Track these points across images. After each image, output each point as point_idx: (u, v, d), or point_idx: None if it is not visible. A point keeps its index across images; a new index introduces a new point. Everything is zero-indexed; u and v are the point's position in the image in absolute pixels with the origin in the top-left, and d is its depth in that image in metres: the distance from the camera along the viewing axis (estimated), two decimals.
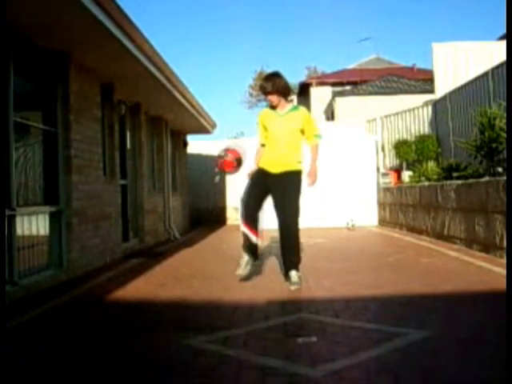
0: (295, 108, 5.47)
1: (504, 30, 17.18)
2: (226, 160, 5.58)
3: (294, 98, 30.69)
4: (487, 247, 7.09)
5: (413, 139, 14.09)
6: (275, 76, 5.35)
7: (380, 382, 2.72)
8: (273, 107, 5.41)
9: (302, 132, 5.40)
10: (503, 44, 13.58)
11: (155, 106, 10.94)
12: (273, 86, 5.24)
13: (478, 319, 3.90)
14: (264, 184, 5.37)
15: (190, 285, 5.82)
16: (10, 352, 3.43)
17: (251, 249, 5.44)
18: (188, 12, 67.42)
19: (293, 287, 5.16)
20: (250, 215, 5.40)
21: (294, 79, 28.37)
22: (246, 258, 5.45)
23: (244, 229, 5.41)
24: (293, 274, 5.26)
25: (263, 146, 5.53)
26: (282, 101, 5.34)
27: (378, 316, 4.16)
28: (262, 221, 5.45)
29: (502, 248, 6.62)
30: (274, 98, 5.30)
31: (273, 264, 6.90)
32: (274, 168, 5.35)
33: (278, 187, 5.30)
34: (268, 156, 5.42)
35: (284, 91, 5.33)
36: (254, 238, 5.37)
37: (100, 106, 7.96)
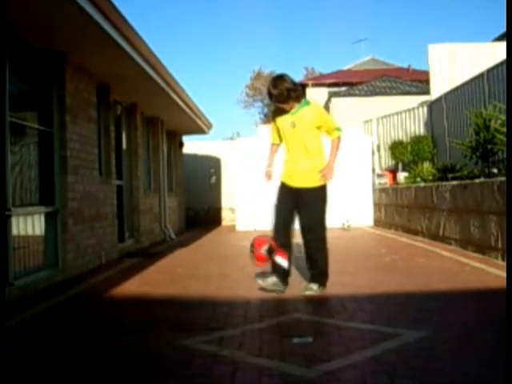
0: (306, 103, 5.06)
1: (501, 31, 17.27)
2: (257, 255, 5.01)
3: None
4: (482, 248, 7.11)
5: (408, 140, 14.12)
6: (284, 82, 4.91)
7: (375, 383, 2.72)
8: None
9: (319, 128, 5.02)
10: (498, 45, 13.64)
11: (151, 107, 10.94)
12: (281, 96, 4.88)
13: (473, 319, 3.92)
14: (289, 199, 5.04)
15: (185, 285, 5.82)
16: (7, 352, 3.43)
17: (281, 274, 4.98)
18: (185, 12, 67.41)
19: (307, 292, 4.94)
20: (281, 236, 4.99)
21: None
22: (274, 279, 4.97)
23: (276, 257, 4.93)
24: (313, 286, 4.99)
25: (274, 145, 5.28)
26: (295, 104, 4.99)
27: (374, 316, 4.17)
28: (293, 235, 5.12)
29: (496, 249, 6.64)
30: (286, 106, 4.98)
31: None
32: (295, 181, 5.04)
33: (302, 201, 4.99)
34: (288, 165, 5.12)
35: (293, 96, 4.93)
36: (285, 264, 4.94)
37: (96, 107, 7.95)
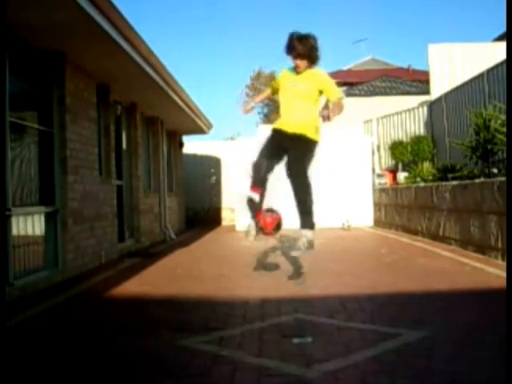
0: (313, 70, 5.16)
1: (501, 31, 17.27)
2: (268, 222, 5.23)
3: None
4: (482, 248, 7.10)
5: (408, 140, 14.12)
6: (311, 39, 4.92)
7: (375, 383, 2.72)
8: (293, 69, 5.14)
9: (321, 93, 5.10)
10: (498, 45, 13.64)
11: (151, 107, 10.94)
12: (307, 50, 4.88)
13: (473, 319, 3.91)
14: (279, 144, 5.13)
15: (185, 285, 5.82)
16: (7, 352, 3.43)
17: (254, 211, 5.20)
18: (186, 12, 67.40)
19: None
20: (259, 176, 5.17)
21: None
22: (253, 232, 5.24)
23: (250, 193, 5.15)
24: (303, 233, 5.01)
25: (267, 93, 5.55)
26: (306, 65, 5.02)
27: (374, 316, 4.17)
28: (269, 187, 5.24)
29: (496, 249, 6.64)
30: (302, 64, 4.98)
31: (270, 264, 6.91)
32: (291, 127, 5.09)
33: (293, 148, 5.03)
34: (284, 117, 5.19)
35: (315, 58, 5.02)
36: (256, 197, 5.14)
37: (96, 107, 7.95)
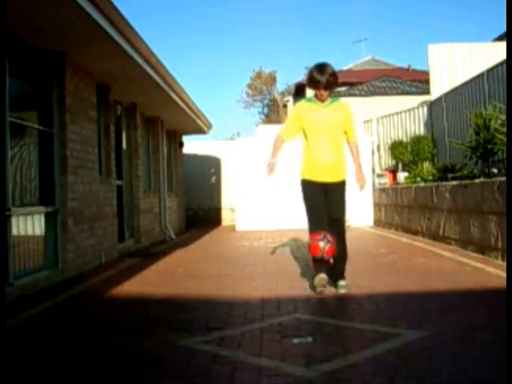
0: (336, 98, 5.14)
1: (501, 31, 17.26)
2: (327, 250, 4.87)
3: (290, 98, 30.53)
4: (482, 248, 7.10)
5: (408, 140, 14.12)
6: (329, 68, 4.90)
7: (375, 383, 2.72)
8: (313, 99, 5.07)
9: (343, 127, 5.06)
10: (498, 45, 13.64)
11: (151, 107, 10.94)
12: (328, 82, 4.86)
13: (473, 319, 3.91)
14: (319, 194, 4.98)
15: (185, 285, 5.82)
16: (7, 352, 3.43)
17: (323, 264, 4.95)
18: (186, 12, 67.40)
19: (342, 290, 4.93)
20: (320, 231, 4.88)
21: (292, 79, 28.38)
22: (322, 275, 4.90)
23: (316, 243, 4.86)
24: (341, 283, 4.99)
25: (283, 139, 5.12)
26: (327, 94, 5.00)
27: (374, 316, 4.16)
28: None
29: (496, 249, 6.64)
30: (326, 93, 4.94)
31: (270, 265, 6.91)
32: (322, 176, 4.96)
33: (330, 195, 4.97)
34: (313, 158, 5.00)
35: (335, 85, 5.04)
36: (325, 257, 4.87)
37: (96, 107, 7.95)
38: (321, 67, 4.92)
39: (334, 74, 4.91)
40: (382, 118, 16.04)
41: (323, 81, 4.85)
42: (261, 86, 40.31)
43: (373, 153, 14.90)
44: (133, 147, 10.39)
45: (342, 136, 5.09)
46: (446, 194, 8.58)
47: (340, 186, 5.04)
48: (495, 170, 9.16)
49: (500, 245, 6.54)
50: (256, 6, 66.19)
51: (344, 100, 5.32)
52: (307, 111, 5.02)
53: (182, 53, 62.44)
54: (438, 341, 3.37)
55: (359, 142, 5.17)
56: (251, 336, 3.66)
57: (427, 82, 16.29)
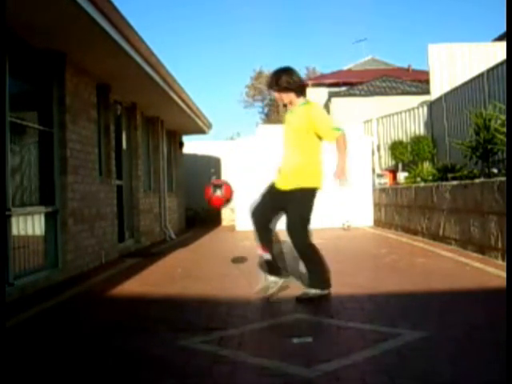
0: (303, 104, 4.83)
1: (501, 31, 17.26)
2: (218, 196, 5.14)
3: None
4: (482, 248, 7.10)
5: (408, 140, 14.12)
6: (280, 72, 4.80)
7: (375, 383, 2.72)
8: (285, 105, 5.05)
9: (309, 131, 4.71)
10: (498, 45, 13.65)
11: (151, 107, 10.94)
12: (275, 83, 4.78)
13: (473, 319, 3.91)
14: (271, 198, 4.89)
15: (185, 285, 5.82)
16: (7, 352, 3.43)
17: (271, 267, 4.93)
18: (186, 12, 67.40)
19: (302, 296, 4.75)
20: (260, 232, 4.92)
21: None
22: (271, 278, 4.91)
23: (261, 253, 4.93)
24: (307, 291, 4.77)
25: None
26: (294, 98, 4.81)
27: (374, 316, 4.16)
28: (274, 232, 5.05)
29: (496, 249, 6.64)
30: (281, 96, 4.85)
31: None
32: (280, 182, 4.85)
33: (285, 204, 4.80)
34: (281, 166, 4.94)
35: (290, 87, 4.75)
36: (268, 256, 4.91)
37: (96, 107, 7.95)
38: (274, 71, 4.93)
39: (274, 75, 4.84)
40: (382, 117, 16.04)
41: (269, 83, 4.92)
42: (261, 86, 40.31)
43: (373, 153, 14.90)
44: (133, 147, 10.39)
45: (309, 140, 4.74)
46: (445, 194, 8.57)
47: (293, 194, 4.71)
48: (495, 170, 9.15)
49: (500, 245, 6.54)
50: (256, 5, 66.22)
51: (313, 101, 5.00)
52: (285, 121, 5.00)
53: (182, 53, 62.50)
54: (438, 341, 3.37)
55: (346, 137, 4.71)
56: (251, 336, 3.66)
57: (427, 82, 16.29)
